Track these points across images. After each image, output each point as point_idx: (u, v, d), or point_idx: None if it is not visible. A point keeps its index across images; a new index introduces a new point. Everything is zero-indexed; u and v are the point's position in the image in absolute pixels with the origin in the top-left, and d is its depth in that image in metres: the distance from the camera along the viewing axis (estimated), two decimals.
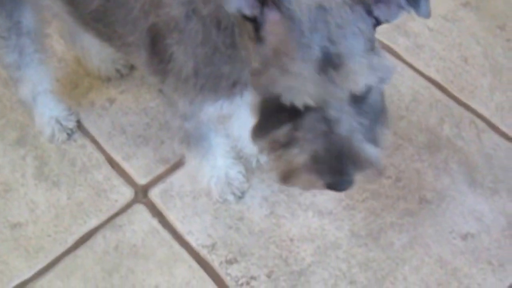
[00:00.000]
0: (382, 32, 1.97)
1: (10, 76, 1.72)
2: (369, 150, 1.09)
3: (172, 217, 1.70)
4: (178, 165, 1.77)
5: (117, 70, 1.94)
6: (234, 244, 1.64)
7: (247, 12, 1.05)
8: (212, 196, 1.70)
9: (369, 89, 1.05)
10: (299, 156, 1.09)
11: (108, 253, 1.66)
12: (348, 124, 1.05)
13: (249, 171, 1.73)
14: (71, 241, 1.69)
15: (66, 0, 1.41)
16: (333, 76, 1.01)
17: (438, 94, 1.85)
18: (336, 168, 1.08)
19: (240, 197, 1.70)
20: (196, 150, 1.59)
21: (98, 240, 1.68)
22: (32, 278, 1.64)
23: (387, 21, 1.10)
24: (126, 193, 1.75)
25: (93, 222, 1.71)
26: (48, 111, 1.82)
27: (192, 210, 1.70)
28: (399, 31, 1.99)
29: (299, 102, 1.03)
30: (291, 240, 1.64)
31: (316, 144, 1.06)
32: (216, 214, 1.69)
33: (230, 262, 1.62)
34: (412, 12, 1.09)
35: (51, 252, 1.67)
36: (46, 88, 1.76)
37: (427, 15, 1.10)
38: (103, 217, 1.72)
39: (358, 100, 1.05)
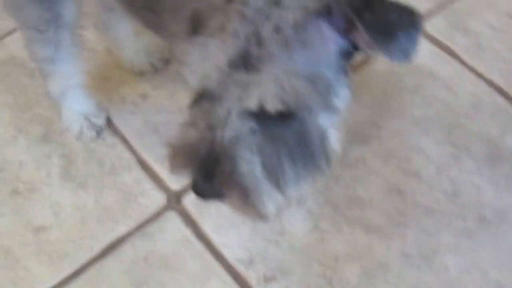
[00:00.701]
0: (440, 31, 1.82)
1: (41, 70, 1.61)
2: (253, 179, 1.00)
3: (206, 227, 1.57)
4: None
5: (152, 64, 1.81)
6: (274, 260, 1.51)
7: None
8: None
9: (286, 113, 0.97)
10: (188, 137, 1.03)
11: (137, 264, 1.53)
12: (235, 133, 0.98)
13: None
14: (97, 248, 1.57)
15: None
16: (238, 76, 0.95)
17: (501, 100, 1.69)
18: (204, 169, 1.01)
19: (282, 209, 1.56)
20: None
21: (126, 249, 1.56)
22: (55, 287, 1.53)
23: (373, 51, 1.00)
24: (157, 199, 1.62)
25: (122, 229, 1.59)
26: (77, 107, 1.71)
27: (228, 221, 1.57)
28: (458, 29, 1.83)
29: (197, 80, 0.99)
30: (336, 258, 1.50)
31: (202, 135, 1.01)
32: (254, 226, 1.56)
33: (268, 279, 1.49)
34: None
35: (76, 260, 1.56)
36: (77, 83, 1.65)
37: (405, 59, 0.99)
38: (133, 224, 1.59)
39: (265, 118, 0.97)
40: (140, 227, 1.59)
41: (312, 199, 1.57)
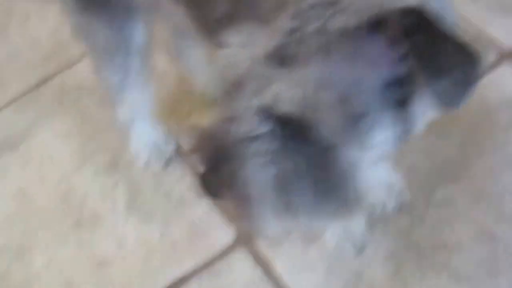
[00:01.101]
0: None
1: (110, 97, 1.55)
2: (263, 193, 0.88)
3: (278, 267, 1.46)
4: None
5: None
6: None
7: None
8: (327, 247, 1.45)
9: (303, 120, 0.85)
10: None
11: None
12: (250, 131, 0.87)
13: (372, 220, 1.47)
14: (161, 285, 1.48)
15: (191, 4, 1.21)
16: (268, 69, 0.85)
17: None
18: (210, 161, 0.91)
19: (361, 250, 1.44)
20: None
21: (192, 287, 1.47)
22: None
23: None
24: (227, 235, 1.52)
25: (188, 265, 1.49)
26: (146, 135, 1.64)
27: (301, 262, 1.45)
28: None
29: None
30: None
31: (217, 126, 0.92)
32: (330, 268, 1.43)
33: None
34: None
35: None
36: (146, 111, 1.59)
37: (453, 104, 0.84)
38: (200, 260, 1.50)
39: (289, 125, 0.86)
40: (208, 264, 1.49)
41: (394, 242, 1.45)
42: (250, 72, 0.87)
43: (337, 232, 1.43)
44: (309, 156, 0.87)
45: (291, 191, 0.89)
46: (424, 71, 0.81)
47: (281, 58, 0.84)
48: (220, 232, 1.53)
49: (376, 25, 0.83)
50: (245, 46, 0.88)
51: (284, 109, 0.85)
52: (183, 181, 1.63)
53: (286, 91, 0.84)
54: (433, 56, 0.80)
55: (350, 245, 1.44)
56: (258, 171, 0.88)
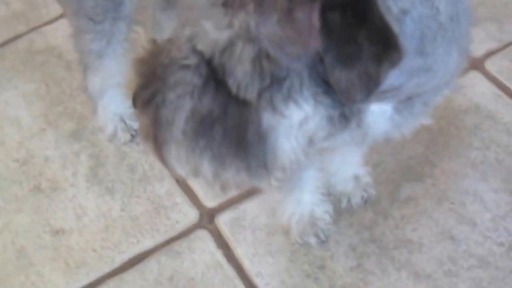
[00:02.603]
0: (502, 71, 1.72)
1: (84, 63, 1.50)
2: (173, 135, 0.89)
3: (240, 251, 1.45)
4: (253, 191, 1.51)
5: None
6: None
7: None
8: (290, 236, 1.45)
9: None
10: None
11: (161, 283, 1.42)
12: (182, 63, 0.86)
13: (336, 212, 1.48)
14: (119, 261, 1.46)
15: None
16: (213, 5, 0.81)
17: None
18: (143, 78, 0.91)
19: (324, 241, 1.44)
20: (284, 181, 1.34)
21: (150, 265, 1.44)
22: None
23: None
24: (189, 215, 1.51)
25: (148, 243, 1.47)
26: (114, 107, 1.60)
27: (264, 248, 1.45)
28: None
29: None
30: None
31: (160, 48, 0.90)
32: (292, 257, 1.44)
33: None
34: None
35: (94, 270, 1.44)
36: (118, 81, 1.54)
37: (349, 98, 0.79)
38: (160, 238, 1.48)
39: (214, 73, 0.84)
40: (168, 243, 1.47)
41: (357, 235, 1.46)
42: (197, 5, 0.83)
43: (301, 222, 1.43)
44: (225, 104, 0.85)
45: (200, 132, 0.88)
46: (328, 54, 0.75)
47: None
48: (182, 211, 1.52)
49: None
50: None
51: (200, 47, 0.82)
52: (147, 157, 1.59)
53: (210, 31, 0.81)
54: (343, 41, 0.74)
55: (313, 236, 1.44)
56: (176, 99, 0.87)
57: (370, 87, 0.76)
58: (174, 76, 0.86)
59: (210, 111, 0.86)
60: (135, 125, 1.62)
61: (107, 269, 1.44)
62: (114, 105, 1.60)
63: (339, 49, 0.75)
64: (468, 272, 1.41)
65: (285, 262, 1.43)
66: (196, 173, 0.92)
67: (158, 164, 1.57)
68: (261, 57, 0.79)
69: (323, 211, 1.45)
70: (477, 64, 1.75)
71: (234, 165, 0.89)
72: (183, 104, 0.87)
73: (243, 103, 0.84)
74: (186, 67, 0.85)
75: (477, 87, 1.71)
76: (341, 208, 1.49)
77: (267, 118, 0.84)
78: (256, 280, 1.41)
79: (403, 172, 1.55)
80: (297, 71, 0.81)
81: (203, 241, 1.47)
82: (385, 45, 0.74)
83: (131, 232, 1.49)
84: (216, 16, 0.80)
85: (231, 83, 0.82)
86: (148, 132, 0.92)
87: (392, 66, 0.75)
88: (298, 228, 1.44)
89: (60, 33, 1.52)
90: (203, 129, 0.87)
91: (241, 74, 0.81)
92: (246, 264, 1.44)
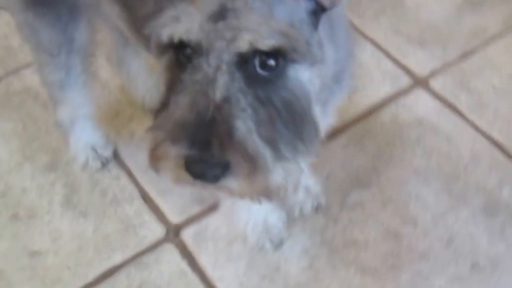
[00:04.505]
0: (445, 88, 1.87)
1: (51, 96, 1.64)
2: (255, 140, 0.90)
3: (203, 260, 1.57)
4: (215, 206, 1.64)
5: None
6: None
7: None
8: (248, 242, 1.57)
9: (272, 65, 0.93)
10: (165, 124, 0.93)
11: None
12: (226, 88, 0.90)
13: (290, 218, 1.61)
14: (91, 276, 1.57)
15: (123, 4, 1.33)
16: (220, 26, 0.90)
17: (499, 156, 1.72)
18: (197, 138, 0.89)
19: (278, 245, 1.57)
20: None
21: (121, 278, 1.56)
22: None
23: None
24: (156, 231, 1.63)
25: (118, 258, 1.59)
26: (85, 137, 1.73)
27: (225, 256, 1.57)
28: (462, 88, 1.88)
29: (178, 35, 0.92)
30: None
31: (184, 107, 0.90)
32: (250, 261, 1.56)
33: None
34: None
35: (69, 286, 1.55)
36: (86, 113, 1.68)
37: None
38: (129, 253, 1.60)
39: (252, 78, 0.92)
40: (137, 257, 1.59)
41: (309, 239, 1.58)
42: (204, 35, 0.92)
43: (257, 229, 1.56)
44: (275, 101, 0.94)
45: (275, 136, 0.94)
46: None
47: (223, 16, 0.91)
48: (150, 228, 1.64)
49: None
50: (179, 19, 0.93)
51: (263, 45, 0.91)
52: (118, 182, 1.73)
53: (256, 31, 0.91)
54: None
55: (269, 241, 1.56)
56: (246, 125, 0.91)
57: None
58: (233, 108, 0.90)
59: (270, 110, 0.94)
60: (106, 153, 1.76)
61: (80, 284, 1.55)
62: (85, 135, 1.73)
63: None
64: (410, 265, 1.53)
65: (244, 266, 1.55)
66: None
67: (128, 188, 1.71)
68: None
69: (276, 218, 1.57)
70: (422, 82, 1.91)
71: (302, 142, 0.97)
72: (252, 124, 0.91)
73: (287, 79, 0.95)
74: (236, 94, 0.91)
75: (422, 103, 1.86)
76: (294, 216, 1.62)
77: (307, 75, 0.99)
78: (217, 284, 1.53)
79: (351, 180, 1.69)
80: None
81: (170, 253, 1.59)
82: None
83: (103, 249, 1.61)
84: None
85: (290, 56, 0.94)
86: (247, 176, 0.91)
87: None
88: (254, 235, 1.56)
89: (36, 75, 1.65)
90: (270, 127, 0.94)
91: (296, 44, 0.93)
92: (209, 271, 1.55)
